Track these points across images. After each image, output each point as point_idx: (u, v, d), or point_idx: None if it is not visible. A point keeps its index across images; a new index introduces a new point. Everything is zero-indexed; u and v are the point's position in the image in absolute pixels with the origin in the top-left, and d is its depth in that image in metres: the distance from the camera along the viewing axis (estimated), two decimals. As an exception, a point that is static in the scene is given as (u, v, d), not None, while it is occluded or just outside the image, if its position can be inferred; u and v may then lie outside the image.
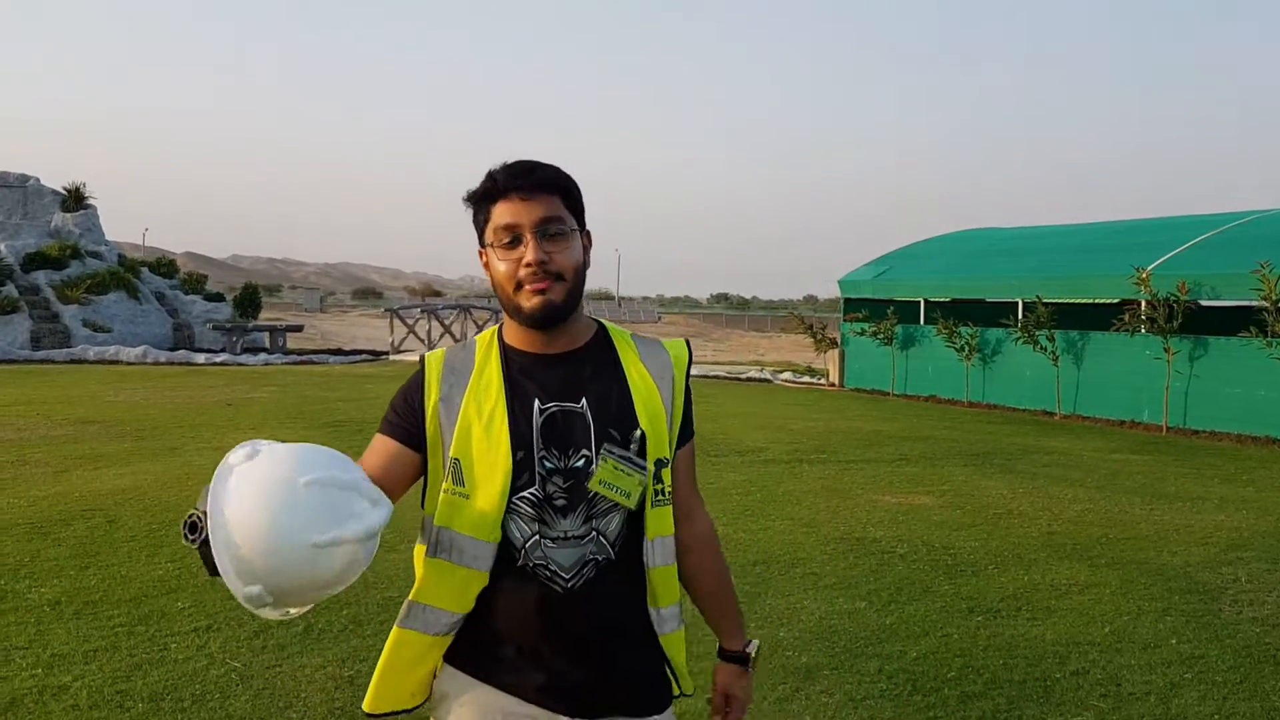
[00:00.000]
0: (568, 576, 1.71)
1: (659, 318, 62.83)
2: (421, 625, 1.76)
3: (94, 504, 7.13)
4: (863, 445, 10.99)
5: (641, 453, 1.73)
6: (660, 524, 1.78)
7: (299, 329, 27.11)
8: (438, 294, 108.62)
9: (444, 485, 1.73)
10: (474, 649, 1.77)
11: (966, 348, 16.01)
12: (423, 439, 1.76)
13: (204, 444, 9.96)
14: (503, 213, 1.72)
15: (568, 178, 1.77)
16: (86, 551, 5.91)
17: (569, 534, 1.71)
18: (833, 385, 18.50)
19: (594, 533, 1.73)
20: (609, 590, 1.74)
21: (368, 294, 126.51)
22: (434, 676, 1.80)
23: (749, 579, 5.70)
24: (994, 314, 16.45)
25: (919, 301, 17.69)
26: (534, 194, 1.71)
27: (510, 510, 1.71)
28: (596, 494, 1.71)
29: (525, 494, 1.71)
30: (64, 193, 26.55)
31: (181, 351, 22.24)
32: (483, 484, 1.71)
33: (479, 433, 1.72)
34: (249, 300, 26.06)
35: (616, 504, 1.73)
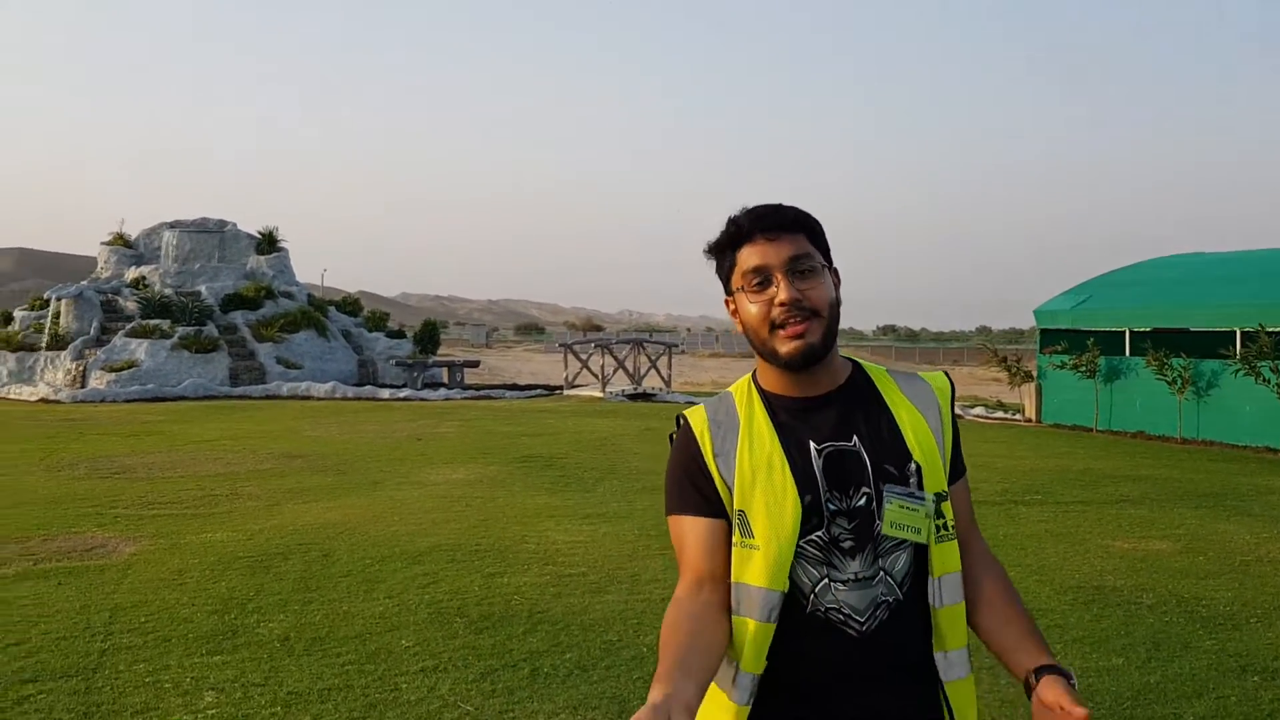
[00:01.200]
0: (862, 620, 1.64)
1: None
2: (726, 685, 1.68)
3: (307, 538, 7.23)
4: (1077, 485, 10.31)
5: (920, 485, 1.67)
6: (946, 560, 1.69)
7: (476, 364, 27.69)
8: (598, 328, 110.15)
9: (734, 539, 1.68)
10: (774, 706, 1.69)
11: (1179, 380, 14.96)
12: (719, 506, 1.70)
13: (402, 479, 10.09)
14: (750, 255, 1.70)
15: (810, 216, 1.75)
16: (307, 586, 5.95)
17: (859, 575, 1.65)
18: (1029, 420, 17.60)
19: (882, 573, 1.66)
20: (902, 633, 1.67)
21: (530, 329, 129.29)
22: None
23: (989, 630, 5.28)
24: (1203, 344, 15.34)
25: (1123, 332, 16.67)
26: (780, 234, 1.69)
27: (797, 555, 1.65)
28: (882, 533, 1.65)
29: (813, 537, 1.66)
30: (258, 237, 27.97)
31: (367, 387, 22.96)
32: (771, 532, 1.65)
33: (762, 481, 1.67)
34: (428, 336, 26.78)
35: (903, 542, 1.66)
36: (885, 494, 1.66)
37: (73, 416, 16.83)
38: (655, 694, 1.43)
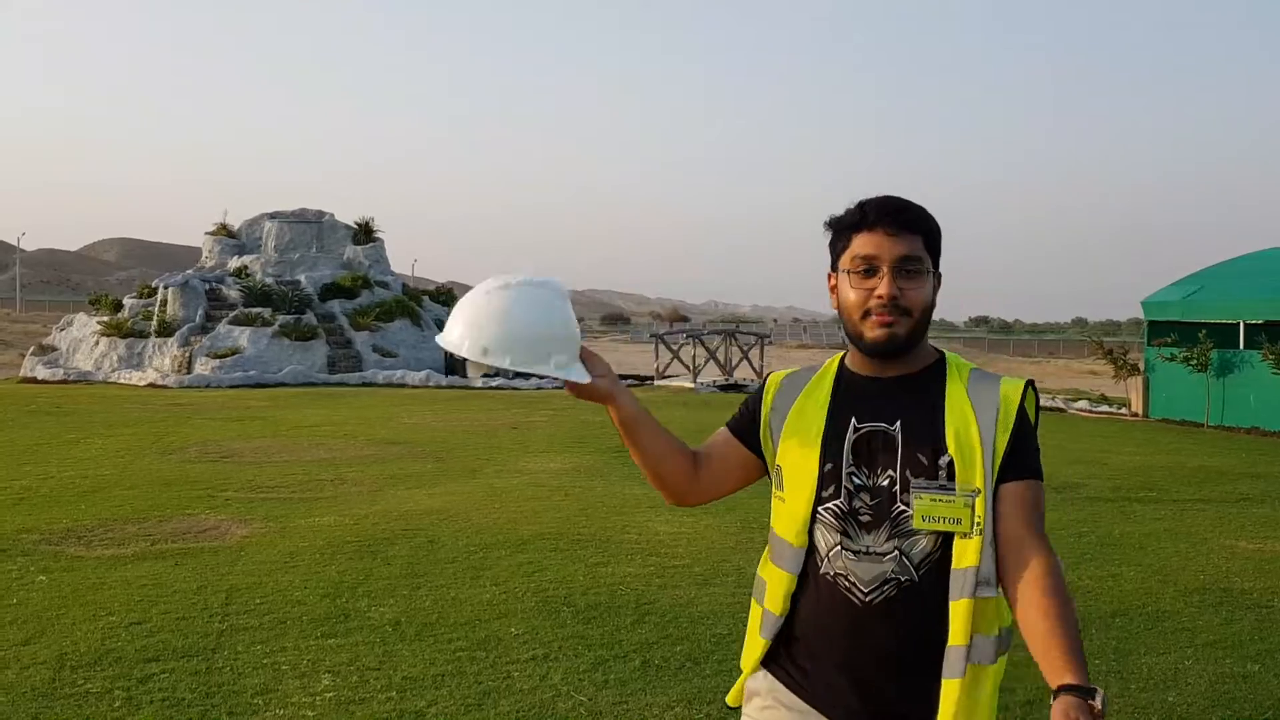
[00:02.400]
0: (865, 591, 1.75)
1: (916, 343, 60.55)
2: (757, 622, 1.91)
3: (412, 524, 7.30)
4: (1193, 483, 9.94)
5: (951, 477, 1.73)
6: (962, 555, 1.72)
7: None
8: (684, 319, 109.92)
9: (774, 490, 1.89)
10: (781, 653, 1.87)
11: (1297, 375, 14.34)
12: (753, 439, 1.96)
13: (500, 467, 10.16)
14: (865, 243, 1.79)
15: (933, 220, 1.83)
16: (415, 572, 6.00)
17: (870, 549, 1.76)
18: (1135, 415, 17.04)
19: (897, 552, 1.75)
20: (909, 613, 1.74)
21: (616, 319, 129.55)
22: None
23: (1111, 633, 5.10)
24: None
25: (1237, 324, 16.04)
26: (900, 232, 1.78)
27: (816, 519, 1.80)
28: (902, 511, 1.74)
29: (831, 504, 1.79)
30: (355, 227, 28.47)
31: (458, 375, 23.24)
32: (794, 490, 1.83)
33: (798, 443, 1.85)
34: (520, 326, 27.00)
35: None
36: (913, 490, 1.74)
37: (180, 401, 17.33)
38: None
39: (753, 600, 1.95)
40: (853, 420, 1.81)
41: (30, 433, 12.38)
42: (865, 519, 1.77)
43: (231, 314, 24.27)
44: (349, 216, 28.86)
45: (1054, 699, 1.54)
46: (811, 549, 1.81)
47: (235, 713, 3.95)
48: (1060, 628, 1.64)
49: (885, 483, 1.77)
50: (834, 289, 1.88)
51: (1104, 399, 18.76)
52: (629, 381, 23.32)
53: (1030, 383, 1.87)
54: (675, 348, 24.49)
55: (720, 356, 23.48)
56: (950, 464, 1.74)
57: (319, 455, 10.92)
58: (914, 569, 1.75)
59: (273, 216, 28.16)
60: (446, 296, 28.87)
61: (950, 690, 1.71)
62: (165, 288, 24.96)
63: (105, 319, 25.03)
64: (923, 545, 1.74)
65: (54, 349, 25.01)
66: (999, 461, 1.76)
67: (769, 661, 1.89)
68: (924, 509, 1.73)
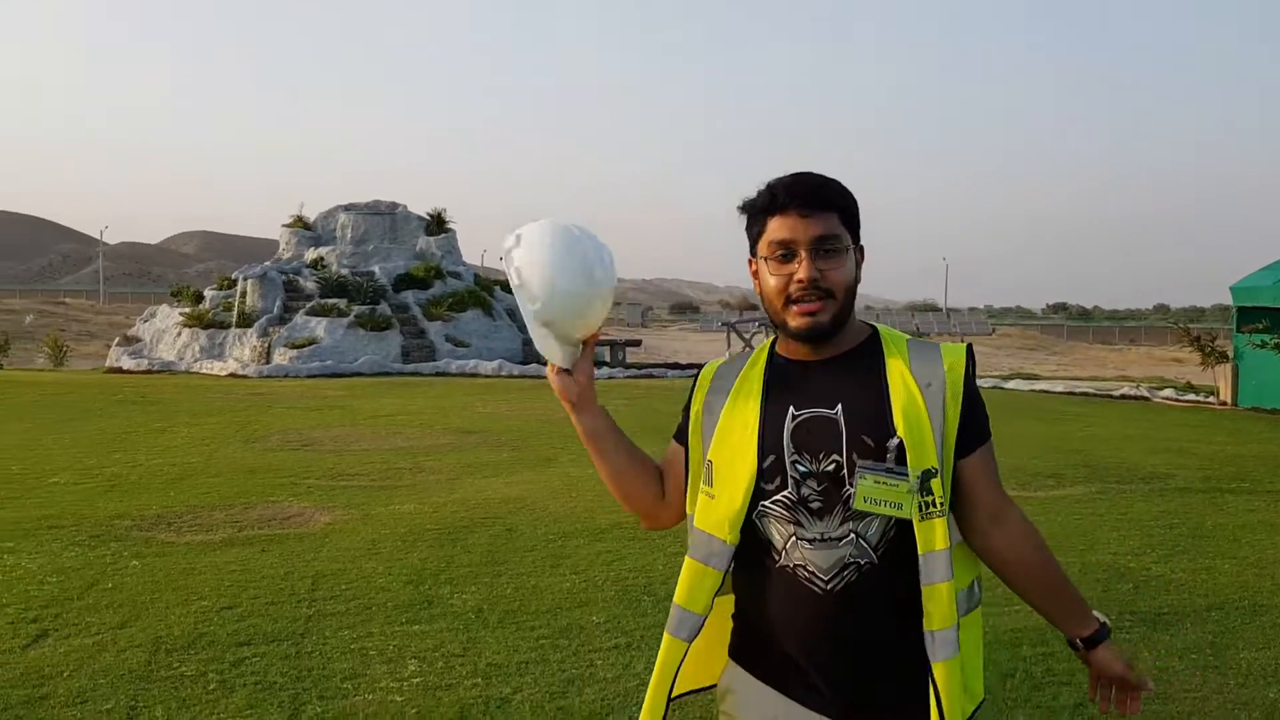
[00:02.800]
0: (826, 579, 1.72)
1: (991, 330, 59.68)
2: (675, 628, 1.83)
3: (490, 512, 7.35)
4: (1287, 473, 9.61)
5: (901, 460, 1.68)
6: (931, 538, 1.69)
7: (637, 344, 27.86)
8: (754, 307, 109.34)
9: (702, 485, 1.83)
10: (752, 648, 1.83)
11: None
12: (686, 435, 1.92)
13: (575, 456, 10.18)
14: (779, 227, 1.76)
15: (847, 194, 1.79)
16: (495, 560, 6.04)
17: (825, 535, 1.72)
18: (1223, 404, 16.54)
19: (853, 535, 1.72)
20: (872, 596, 1.72)
21: (684, 308, 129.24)
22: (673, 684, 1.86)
23: (1208, 627, 4.95)
24: None
25: (1332, 310, 15.48)
26: (814, 211, 1.74)
27: (765, 514, 1.76)
28: (851, 495, 1.70)
29: (779, 497, 1.75)
30: (427, 218, 28.77)
31: (531, 365, 23.36)
32: (728, 485, 1.77)
33: (732, 438, 1.79)
34: (591, 316, 27.05)
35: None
36: (858, 471, 1.70)
37: (259, 391, 17.67)
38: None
39: (667, 633, 1.86)
40: (790, 408, 1.77)
41: (118, 421, 12.72)
42: (816, 505, 1.73)
43: (308, 305, 24.69)
44: (421, 208, 29.19)
45: (1088, 646, 1.84)
46: (767, 544, 1.77)
47: (326, 696, 4.01)
48: (1064, 582, 1.84)
49: (831, 468, 1.72)
50: (755, 274, 1.85)
51: (1190, 387, 18.25)
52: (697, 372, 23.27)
53: (970, 346, 1.87)
54: (747, 336, 24.37)
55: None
56: (899, 446, 1.69)
57: (396, 444, 11.05)
58: (872, 550, 1.72)
59: (347, 209, 28.57)
60: (518, 286, 29.08)
61: (941, 673, 1.69)
62: (244, 279, 25.47)
63: (187, 310, 25.63)
64: (878, 526, 1.71)
65: (138, 340, 25.68)
66: (953, 436, 1.74)
67: (737, 654, 1.87)
68: (866, 490, 1.69)
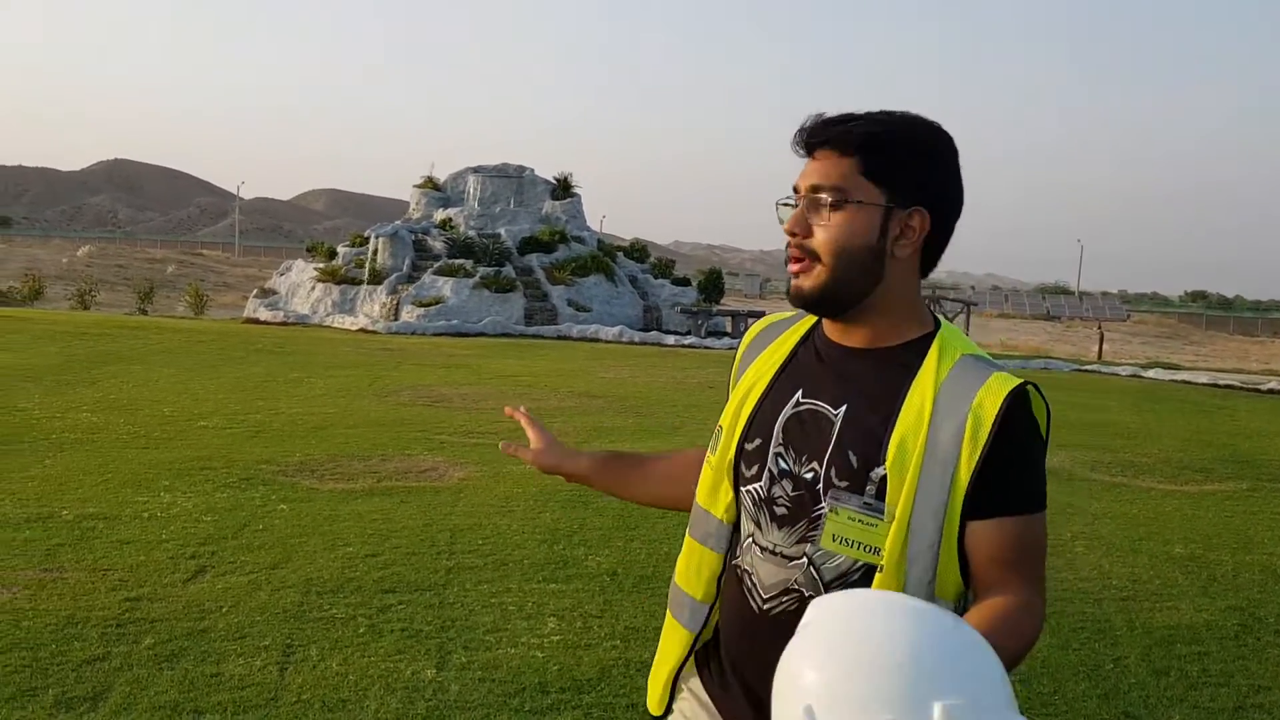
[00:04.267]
0: (765, 596, 1.49)
1: (1127, 315, 57.50)
2: (675, 609, 1.65)
3: (620, 476, 7.38)
4: None
5: (880, 495, 1.39)
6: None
7: (761, 315, 27.60)
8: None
9: (707, 455, 1.62)
10: (709, 651, 1.62)
11: None
12: None
13: (701, 425, 10.17)
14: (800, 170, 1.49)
15: (885, 134, 1.42)
16: (626, 524, 6.07)
17: (777, 548, 1.48)
18: (1383, 403, 15.65)
19: (806, 560, 1.45)
20: None
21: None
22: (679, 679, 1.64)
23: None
24: None
25: None
26: (825, 151, 1.44)
27: (741, 501, 1.54)
28: (821, 517, 1.43)
29: (752, 488, 1.52)
30: (554, 182, 29.00)
31: (653, 333, 23.43)
32: (720, 456, 1.57)
33: (735, 407, 1.58)
34: (712, 285, 26.97)
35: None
36: (831, 500, 1.43)
37: (389, 347, 18.12)
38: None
39: (668, 612, 1.68)
40: (797, 393, 1.51)
41: (258, 370, 13.18)
42: (781, 511, 1.48)
43: (436, 265, 25.16)
44: (547, 172, 29.44)
45: None
46: (735, 532, 1.56)
47: (470, 647, 4.09)
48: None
49: (809, 476, 1.46)
50: None
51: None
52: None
53: (1023, 389, 1.41)
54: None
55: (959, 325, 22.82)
56: (883, 480, 1.39)
57: (524, 404, 11.18)
58: (822, 586, 1.44)
59: (475, 170, 28.97)
60: (640, 253, 29.10)
61: None
62: (376, 238, 26.07)
63: (321, 266, 26.39)
64: (838, 562, 1.43)
65: (274, 292, 26.56)
66: (961, 490, 1.38)
67: (700, 652, 1.64)
68: (836, 527, 1.42)
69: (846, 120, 1.44)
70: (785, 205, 1.49)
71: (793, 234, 1.46)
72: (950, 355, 1.46)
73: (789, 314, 1.66)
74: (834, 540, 1.43)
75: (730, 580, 1.57)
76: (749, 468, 1.53)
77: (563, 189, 28.82)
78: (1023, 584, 1.40)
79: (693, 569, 1.61)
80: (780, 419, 1.52)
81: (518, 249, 26.35)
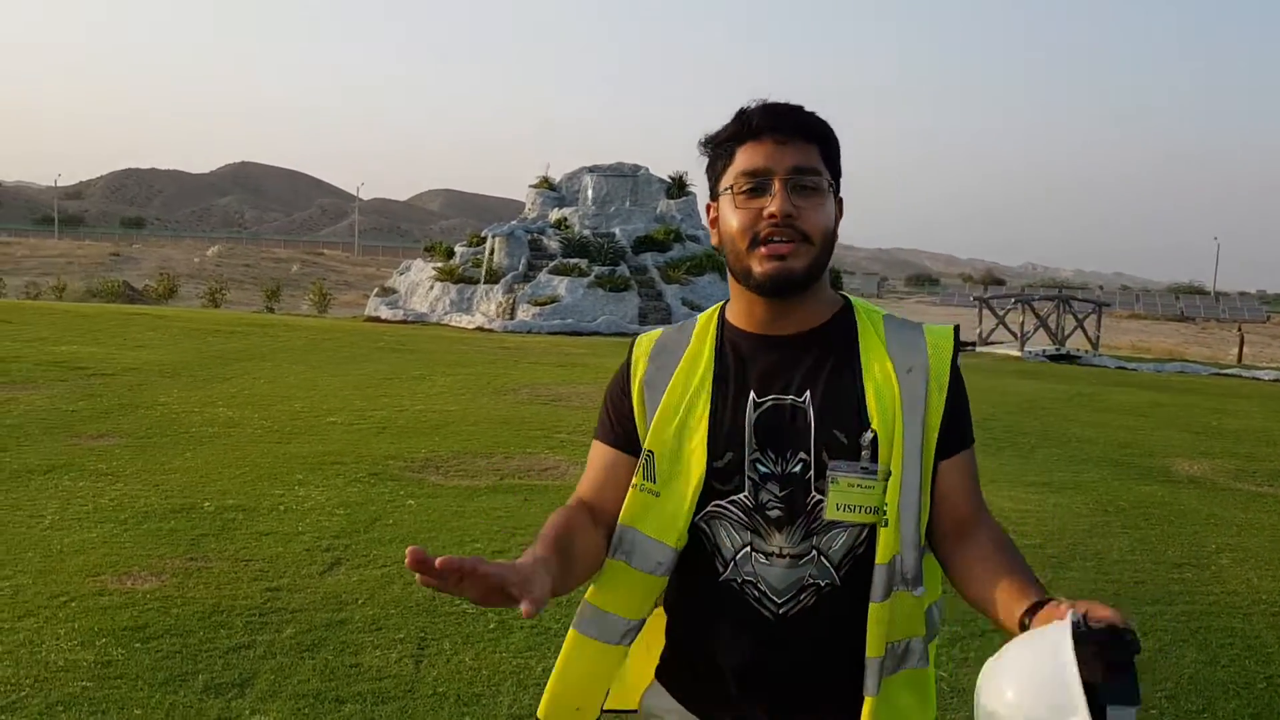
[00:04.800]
0: (779, 601, 1.48)
1: (1267, 316, 54.96)
2: (597, 631, 1.57)
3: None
4: None
5: (875, 457, 1.44)
6: (880, 551, 1.44)
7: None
8: (999, 282, 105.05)
9: (634, 480, 1.53)
10: (681, 669, 1.60)
11: None
12: (634, 436, 1.57)
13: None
14: (752, 155, 1.47)
15: (830, 128, 1.52)
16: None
17: (783, 551, 1.47)
18: None
19: (815, 552, 1.47)
20: (831, 624, 1.47)
21: (922, 280, 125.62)
22: (607, 695, 1.62)
23: None
24: None
25: None
26: (792, 138, 1.47)
27: (717, 515, 1.50)
28: (816, 501, 1.45)
29: (736, 499, 1.49)
30: (668, 181, 29.06)
31: (766, 332, 23.28)
32: (673, 482, 1.50)
33: (678, 426, 1.51)
34: (832, 285, 26.58)
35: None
36: (830, 472, 1.45)
37: (506, 345, 18.37)
38: (527, 556, 1.38)
39: (575, 631, 1.59)
40: (751, 395, 1.50)
41: (381, 367, 13.48)
42: (775, 514, 1.47)
43: (551, 264, 25.44)
44: (661, 171, 29.50)
45: (1030, 616, 1.28)
46: (713, 552, 1.51)
47: (601, 648, 4.08)
48: (1019, 566, 1.42)
49: (798, 469, 1.47)
50: (714, 222, 1.55)
51: None
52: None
53: (958, 332, 1.58)
54: (1002, 313, 23.35)
55: (1051, 324, 22.15)
56: (874, 441, 1.45)
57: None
58: (834, 570, 1.47)
59: (591, 170, 29.21)
60: (754, 253, 28.96)
61: (868, 710, 1.44)
62: (493, 237, 26.50)
63: (439, 265, 26.94)
64: (843, 540, 1.47)
65: (394, 291, 27.23)
66: (934, 434, 1.48)
67: (663, 676, 1.63)
68: (840, 496, 1.45)
69: (803, 110, 1.51)
70: (744, 193, 1.48)
71: (789, 216, 1.45)
72: (875, 319, 1.55)
73: (667, 327, 1.66)
74: (839, 509, 1.45)
75: (719, 600, 1.53)
76: (725, 483, 1.50)
77: (678, 188, 28.85)
78: (986, 512, 1.54)
79: (634, 595, 1.56)
80: (748, 425, 1.50)
81: (632, 248, 26.47)
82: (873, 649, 1.45)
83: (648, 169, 29.20)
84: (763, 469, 1.48)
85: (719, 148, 1.54)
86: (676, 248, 26.45)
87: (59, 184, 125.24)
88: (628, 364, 1.63)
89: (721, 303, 1.64)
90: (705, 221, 1.61)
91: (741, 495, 1.49)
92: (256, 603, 4.40)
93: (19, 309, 18.50)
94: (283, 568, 4.87)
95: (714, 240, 1.56)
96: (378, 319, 24.79)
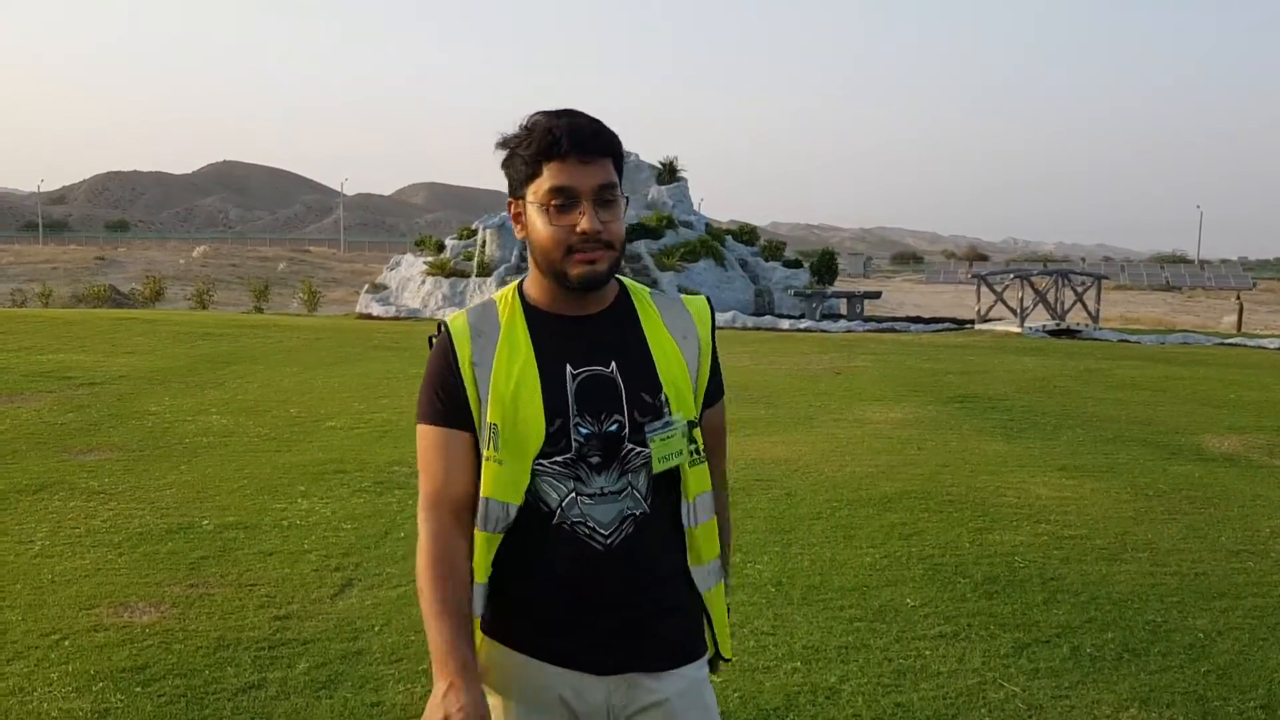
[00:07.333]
0: (606, 533, 1.71)
1: (1252, 284, 54.80)
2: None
3: (763, 474, 7.02)
4: None
5: (670, 412, 1.73)
6: (700, 482, 1.78)
7: (877, 295, 26.97)
8: (983, 257, 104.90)
9: (485, 452, 1.71)
10: (509, 616, 1.75)
11: None
12: (472, 415, 1.73)
13: (835, 415, 9.72)
14: (560, 174, 1.67)
15: (618, 140, 1.74)
16: (781, 527, 5.71)
17: (605, 490, 1.71)
18: None
19: (629, 487, 1.73)
20: (648, 546, 1.74)
21: (907, 259, 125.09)
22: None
23: None
24: None
25: None
26: (594, 158, 1.68)
27: (541, 472, 1.71)
28: (630, 450, 1.71)
29: (559, 458, 1.70)
30: (659, 167, 28.65)
31: (766, 317, 22.96)
32: (517, 449, 1.69)
33: (511, 398, 1.70)
34: (825, 267, 26.29)
35: (647, 459, 1.72)
36: (647, 434, 1.71)
37: (502, 339, 18.00)
38: (458, 677, 1.59)
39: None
40: (568, 367, 1.73)
41: (377, 366, 13.13)
42: (595, 461, 1.71)
43: (543, 254, 25.08)
44: (652, 156, 29.10)
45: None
46: (541, 502, 1.72)
47: (641, 673, 3.77)
48: (723, 541, 1.90)
49: (613, 428, 1.71)
50: (518, 218, 1.76)
51: None
52: (942, 326, 22.20)
53: (709, 299, 1.92)
54: (1000, 289, 23.05)
55: (1050, 299, 21.85)
56: (668, 400, 1.73)
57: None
58: (644, 500, 1.73)
59: (580, 158, 28.80)
60: (750, 236, 28.58)
61: (718, 595, 1.84)
62: (484, 229, 26.11)
63: (430, 259, 26.54)
64: (645, 475, 1.74)
65: (385, 287, 26.82)
66: (703, 387, 1.82)
67: (491, 629, 1.77)
68: (659, 450, 1.71)
69: (602, 130, 1.71)
70: (555, 209, 1.68)
71: (597, 231, 1.67)
72: (644, 296, 1.84)
73: (469, 309, 1.81)
74: (661, 460, 1.72)
75: (551, 543, 1.71)
76: (554, 445, 1.70)
77: (668, 173, 28.47)
78: (725, 456, 1.98)
79: (483, 558, 1.72)
80: (570, 394, 1.71)
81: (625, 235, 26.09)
82: (709, 555, 1.82)
83: (637, 155, 28.79)
84: (585, 430, 1.71)
85: (525, 158, 1.71)
86: (669, 234, 26.07)
87: (42, 189, 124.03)
88: (449, 348, 1.76)
89: (514, 283, 1.82)
90: (509, 215, 1.78)
91: (566, 455, 1.71)
92: (265, 634, 4.08)
93: (5, 317, 18.05)
94: (290, 592, 4.55)
95: (519, 234, 1.77)
96: (370, 316, 24.37)
